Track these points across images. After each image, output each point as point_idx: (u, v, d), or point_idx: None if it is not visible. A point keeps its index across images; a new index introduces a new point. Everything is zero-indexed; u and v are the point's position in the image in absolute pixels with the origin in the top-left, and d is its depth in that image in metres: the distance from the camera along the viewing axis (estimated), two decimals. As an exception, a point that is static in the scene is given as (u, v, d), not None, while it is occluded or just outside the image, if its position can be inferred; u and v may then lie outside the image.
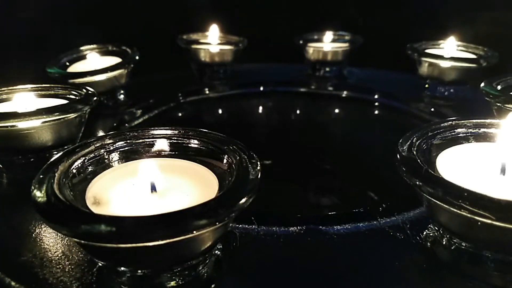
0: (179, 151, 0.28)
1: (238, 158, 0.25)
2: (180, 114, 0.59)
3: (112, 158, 0.27)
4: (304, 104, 0.63)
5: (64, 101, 0.38)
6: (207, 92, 0.62)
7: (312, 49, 0.65)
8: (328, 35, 0.67)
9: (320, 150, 0.50)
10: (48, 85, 0.41)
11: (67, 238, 0.28)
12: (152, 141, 0.28)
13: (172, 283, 0.23)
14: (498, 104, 0.37)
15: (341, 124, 0.59)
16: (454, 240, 0.25)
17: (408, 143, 0.27)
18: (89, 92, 0.39)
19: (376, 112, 0.59)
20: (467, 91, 0.55)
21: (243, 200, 0.21)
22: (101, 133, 0.47)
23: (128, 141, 0.28)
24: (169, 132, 0.28)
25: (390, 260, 0.26)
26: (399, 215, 0.30)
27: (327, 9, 0.83)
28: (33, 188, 0.21)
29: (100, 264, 0.24)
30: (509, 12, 0.70)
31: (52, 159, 0.25)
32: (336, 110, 0.62)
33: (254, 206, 0.22)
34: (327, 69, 0.66)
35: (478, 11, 0.72)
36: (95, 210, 0.23)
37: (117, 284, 0.23)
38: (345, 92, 0.62)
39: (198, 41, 0.66)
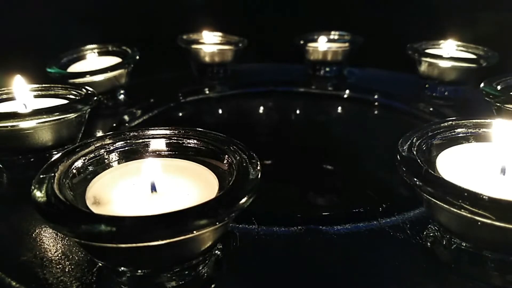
0: (179, 151, 0.28)
1: (238, 158, 0.25)
2: (180, 114, 0.59)
3: (112, 158, 0.27)
4: (304, 104, 0.63)
5: (64, 101, 0.38)
6: (207, 92, 0.62)
7: (312, 49, 0.65)
8: (328, 35, 0.67)
9: (320, 150, 0.50)
10: (48, 85, 0.41)
11: (67, 238, 0.28)
12: (152, 141, 0.28)
13: (172, 283, 0.23)
14: (498, 104, 0.37)
15: (341, 124, 0.59)
16: (454, 240, 0.25)
17: (408, 143, 0.27)
18: (89, 92, 0.39)
19: (376, 112, 0.59)
20: (467, 91, 0.55)
21: (243, 200, 0.21)
22: (101, 133, 0.47)
23: (128, 141, 0.28)
24: (169, 132, 0.28)
25: (390, 260, 0.26)
26: (399, 215, 0.29)
27: (327, 9, 0.83)
28: (33, 188, 0.21)
29: (100, 264, 0.24)
30: (509, 12, 0.70)
31: (52, 159, 0.25)
32: (336, 110, 0.62)
33: (254, 206, 0.22)
34: (327, 69, 0.66)
35: (478, 11, 0.72)
36: (95, 210, 0.23)
37: (117, 284, 0.23)
38: (345, 92, 0.62)
39: (198, 41, 0.66)
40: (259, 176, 0.23)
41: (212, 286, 0.24)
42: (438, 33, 0.60)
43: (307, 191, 0.42)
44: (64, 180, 0.23)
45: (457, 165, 0.27)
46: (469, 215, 0.21)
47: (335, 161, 0.48)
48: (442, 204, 0.22)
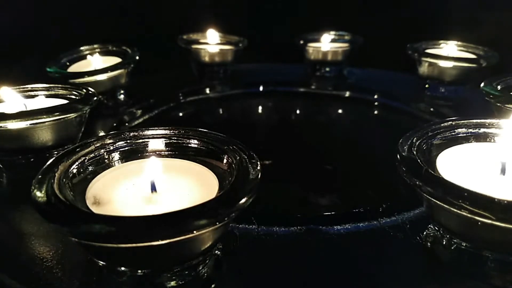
0: (179, 151, 0.28)
1: (238, 158, 0.25)
2: (180, 114, 0.59)
3: (112, 158, 0.27)
4: (304, 104, 0.63)
5: (64, 101, 0.38)
6: (207, 92, 0.62)
7: (312, 49, 0.65)
8: (328, 35, 0.67)
9: (320, 150, 0.50)
10: (48, 85, 0.41)
11: (67, 238, 0.28)
12: (152, 141, 0.28)
13: (172, 283, 0.23)
14: (498, 104, 0.37)
15: (341, 124, 0.59)
16: (454, 240, 0.25)
17: (408, 143, 0.27)
18: (89, 92, 0.39)
19: (376, 112, 0.59)
20: (467, 91, 0.55)
21: (243, 200, 0.21)
22: (101, 133, 0.47)
23: (128, 141, 0.28)
24: (169, 132, 0.28)
25: (390, 260, 0.26)
26: (399, 215, 0.30)
27: (327, 9, 0.83)
28: (33, 188, 0.21)
29: (100, 264, 0.24)
30: (509, 12, 0.70)
31: (52, 159, 0.25)
32: (336, 110, 0.62)
33: (254, 206, 0.22)
34: (327, 69, 0.66)
35: (478, 11, 0.72)
36: (95, 210, 0.23)
37: (117, 284, 0.23)
38: (345, 92, 0.62)
39: (198, 41, 0.66)
40: (259, 176, 0.23)
41: (212, 286, 0.24)
42: (438, 33, 0.60)
43: (307, 191, 0.42)
44: (64, 180, 0.23)
45: (457, 165, 0.27)
46: (469, 215, 0.21)
47: (335, 161, 0.48)
48: (442, 204, 0.22)
